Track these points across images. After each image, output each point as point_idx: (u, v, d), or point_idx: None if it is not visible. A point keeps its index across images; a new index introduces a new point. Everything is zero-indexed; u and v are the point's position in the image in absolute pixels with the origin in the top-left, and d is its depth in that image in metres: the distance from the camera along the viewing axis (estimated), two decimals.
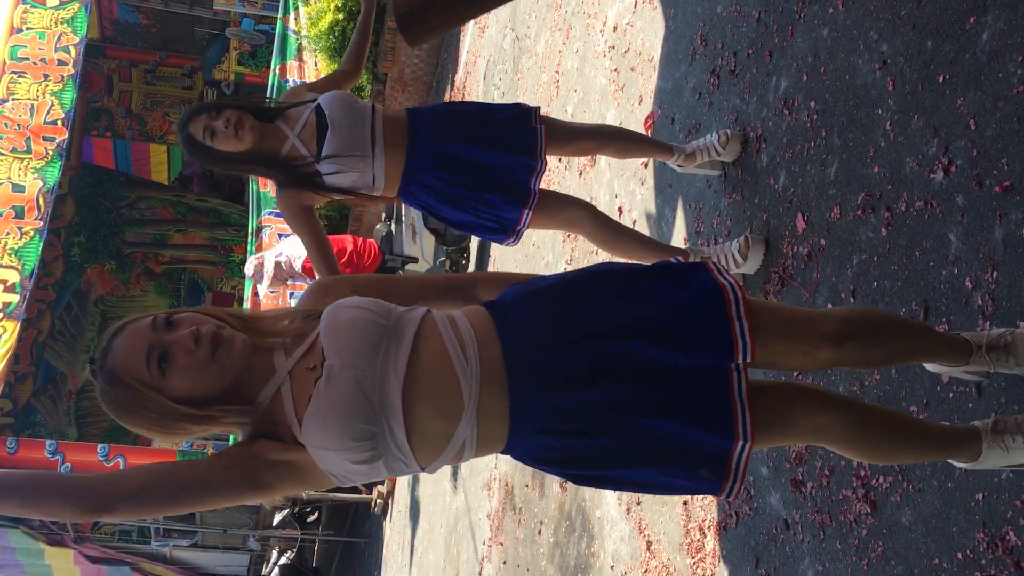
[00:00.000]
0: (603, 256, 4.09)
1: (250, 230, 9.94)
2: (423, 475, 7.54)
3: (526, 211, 2.96)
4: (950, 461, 1.95)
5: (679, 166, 3.26)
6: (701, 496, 3.03)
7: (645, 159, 3.49)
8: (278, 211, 9.89)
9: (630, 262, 1.88)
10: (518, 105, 3.09)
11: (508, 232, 3.03)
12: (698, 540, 3.00)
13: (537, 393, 1.56)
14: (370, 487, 9.29)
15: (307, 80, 9.86)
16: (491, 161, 2.93)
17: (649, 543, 3.30)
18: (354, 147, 2.83)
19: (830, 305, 2.51)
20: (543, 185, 3.04)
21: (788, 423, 1.69)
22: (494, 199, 2.96)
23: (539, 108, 3.06)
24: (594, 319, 1.60)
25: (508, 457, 4.62)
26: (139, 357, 1.48)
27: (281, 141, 2.85)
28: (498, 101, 6.70)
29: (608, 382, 1.56)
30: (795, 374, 2.44)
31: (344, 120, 2.85)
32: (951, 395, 2.08)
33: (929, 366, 2.05)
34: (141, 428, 1.53)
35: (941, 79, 2.20)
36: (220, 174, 13.71)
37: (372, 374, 1.51)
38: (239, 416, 1.54)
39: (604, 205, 4.09)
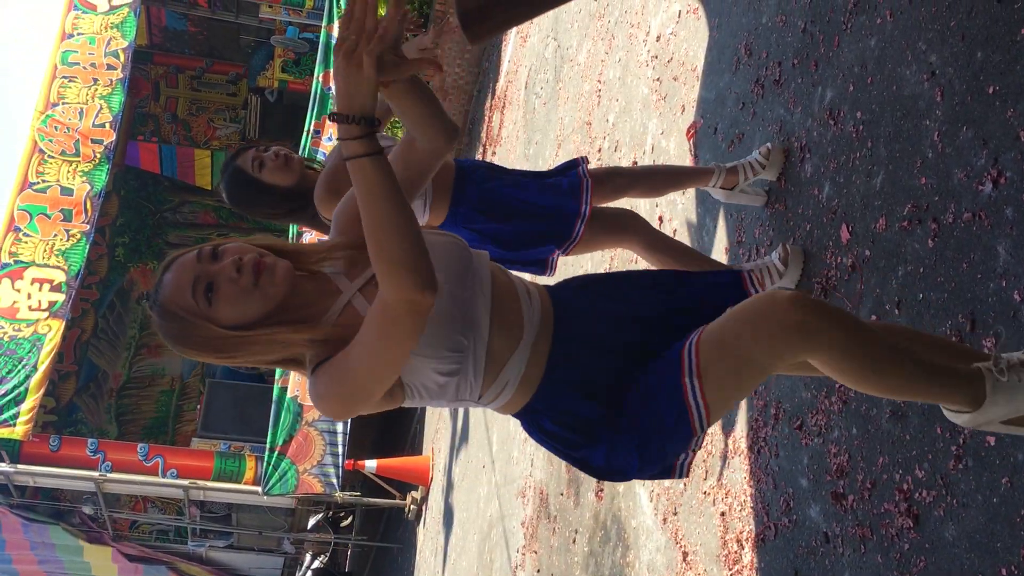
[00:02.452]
0: (643, 265, 4.09)
1: (290, 236, 10.05)
2: (456, 481, 7.56)
3: (561, 249, 3.00)
4: (948, 410, 1.81)
5: (721, 188, 3.21)
6: (740, 507, 3.02)
7: (683, 186, 3.43)
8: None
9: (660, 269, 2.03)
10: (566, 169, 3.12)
11: (545, 266, 3.06)
12: (735, 552, 2.98)
13: (577, 353, 1.71)
14: (404, 493, 9.33)
15: None
16: (537, 201, 2.97)
17: (685, 554, 3.29)
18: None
19: (874, 317, 2.49)
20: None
21: (747, 319, 1.58)
22: (537, 239, 2.99)
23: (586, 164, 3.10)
24: (637, 303, 1.82)
25: (543, 464, 4.63)
26: (185, 288, 1.56)
27: None
28: (539, 110, 6.72)
29: (636, 357, 1.73)
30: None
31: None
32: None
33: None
34: (198, 355, 1.61)
35: (991, 90, 2.18)
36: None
37: (464, 291, 1.62)
38: (295, 328, 1.57)
39: (644, 214, 4.09)
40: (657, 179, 3.23)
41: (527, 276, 2.31)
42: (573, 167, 3.07)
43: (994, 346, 2.06)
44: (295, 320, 1.60)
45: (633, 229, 3.07)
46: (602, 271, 4.68)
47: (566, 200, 2.99)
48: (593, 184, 3.04)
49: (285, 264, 1.60)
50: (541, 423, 1.73)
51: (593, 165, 4.97)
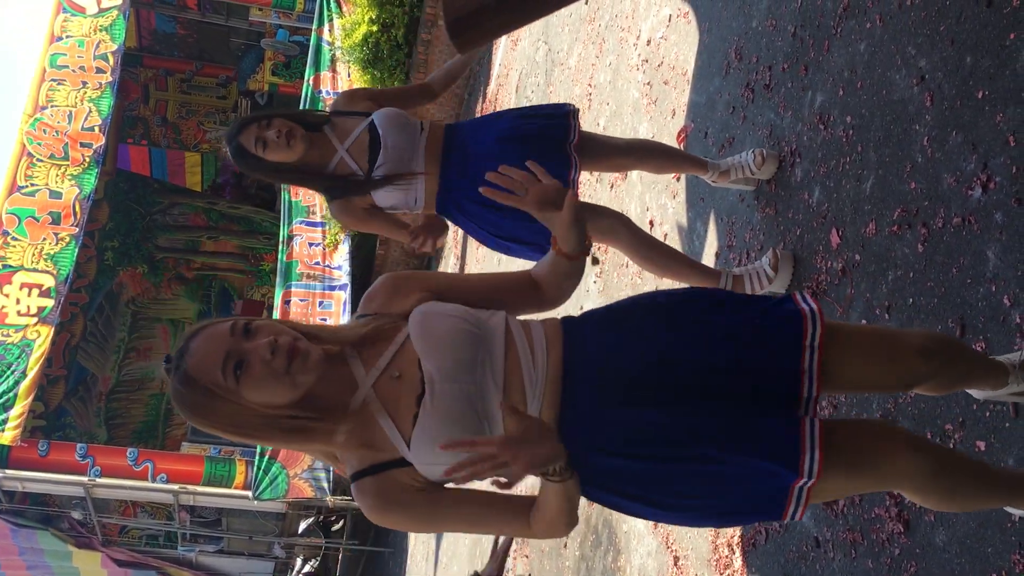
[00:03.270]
0: (634, 268, 4.08)
1: (281, 239, 10.02)
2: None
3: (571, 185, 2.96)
4: (1010, 509, 1.89)
5: (713, 181, 3.25)
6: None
7: (677, 173, 3.49)
8: (309, 220, 9.99)
9: (714, 289, 1.89)
10: (554, 107, 3.09)
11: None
12: (726, 556, 2.98)
13: (592, 407, 1.59)
14: None
15: (339, 90, 9.95)
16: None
17: (676, 558, 3.28)
18: (405, 168, 2.85)
19: (864, 321, 2.49)
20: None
21: (868, 462, 1.62)
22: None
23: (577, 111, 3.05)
24: (668, 344, 1.61)
25: None
26: (215, 362, 1.49)
27: (330, 153, 2.87)
28: None
29: (671, 405, 1.57)
30: (877, 413, 2.42)
31: (397, 141, 2.85)
32: (987, 414, 2.05)
33: (974, 393, 2.02)
34: (212, 428, 1.55)
35: (980, 95, 2.18)
36: (251, 183, 13.85)
37: (474, 386, 1.55)
38: (315, 422, 1.54)
39: (635, 218, 4.08)
40: (662, 158, 3.25)
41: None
42: (561, 118, 3.00)
43: (984, 352, 2.06)
44: (316, 408, 1.55)
45: (619, 234, 3.07)
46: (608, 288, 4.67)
47: (551, 156, 2.95)
48: (596, 153, 3.03)
49: (319, 351, 1.54)
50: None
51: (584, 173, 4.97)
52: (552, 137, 2.96)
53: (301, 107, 9.90)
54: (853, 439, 1.63)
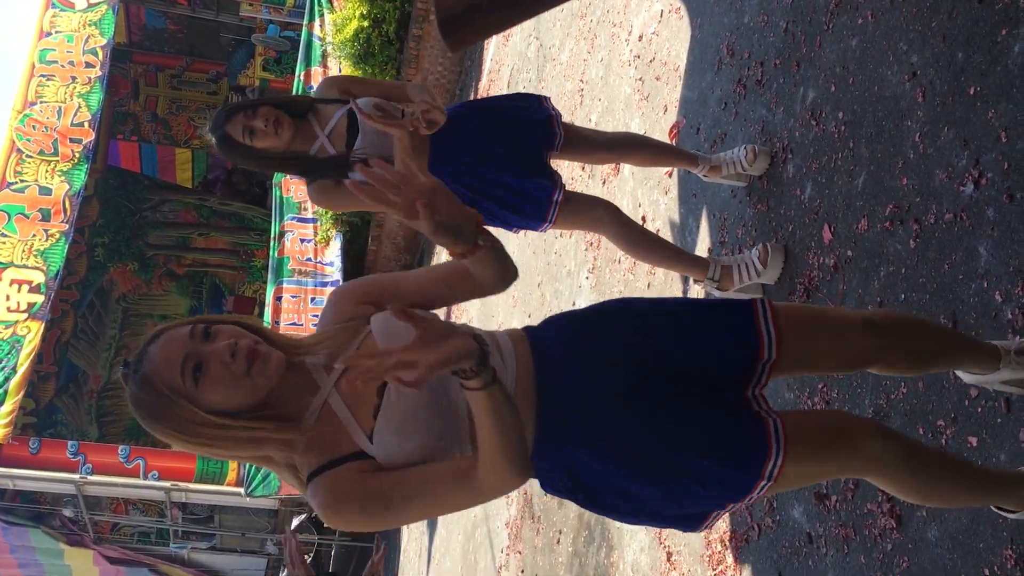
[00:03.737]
0: (626, 264, 4.08)
1: (272, 235, 10.00)
2: None
3: (557, 191, 2.95)
4: (997, 508, 1.89)
5: (704, 175, 3.26)
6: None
7: (669, 168, 3.49)
8: (301, 216, 9.96)
9: (676, 297, 1.90)
10: (533, 97, 3.09)
11: (543, 211, 2.98)
12: (719, 552, 2.98)
13: (564, 402, 1.60)
14: None
15: None
16: (512, 150, 2.94)
17: (669, 554, 3.28)
18: (383, 152, 2.84)
19: None
20: (569, 187, 3.05)
21: (840, 444, 1.65)
22: (520, 183, 2.94)
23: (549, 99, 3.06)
24: (629, 346, 1.66)
25: None
26: (174, 365, 1.47)
27: (311, 140, 2.86)
28: None
29: (640, 404, 1.60)
30: (869, 410, 2.43)
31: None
32: (979, 409, 2.06)
33: (963, 375, 2.03)
34: (166, 436, 1.52)
35: (972, 91, 2.18)
36: (241, 180, 13.81)
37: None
38: (277, 427, 1.53)
39: (627, 214, 4.08)
40: (653, 152, 3.24)
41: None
42: (540, 107, 3.02)
43: None
44: (275, 416, 1.53)
45: (609, 224, 3.06)
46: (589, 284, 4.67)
47: (536, 138, 2.96)
48: (586, 145, 3.04)
49: (279, 356, 1.53)
50: (551, 480, 1.68)
51: (576, 166, 4.95)
52: (534, 119, 2.98)
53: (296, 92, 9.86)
54: (826, 421, 1.68)
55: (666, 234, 3.80)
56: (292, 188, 9.86)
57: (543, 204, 2.95)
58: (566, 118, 5.28)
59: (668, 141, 3.86)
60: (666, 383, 1.63)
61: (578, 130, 3.14)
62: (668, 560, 3.28)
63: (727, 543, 2.95)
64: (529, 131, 2.98)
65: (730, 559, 2.91)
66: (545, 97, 3.09)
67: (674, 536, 3.27)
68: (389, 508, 1.47)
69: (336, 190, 2.86)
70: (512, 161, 2.94)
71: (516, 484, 1.46)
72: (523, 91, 3.19)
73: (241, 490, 8.96)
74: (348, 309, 1.66)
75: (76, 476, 9.01)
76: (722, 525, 3.00)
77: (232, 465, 9.38)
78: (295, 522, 10.95)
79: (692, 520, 1.68)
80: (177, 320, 1.58)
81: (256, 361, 1.49)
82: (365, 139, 2.83)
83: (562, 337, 1.69)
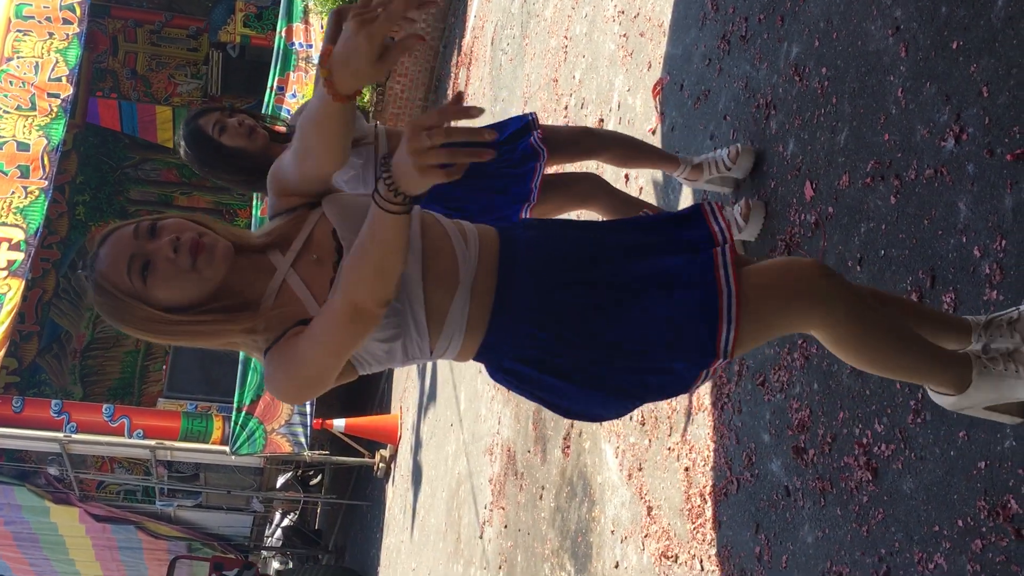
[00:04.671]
0: None
1: (255, 195, 9.92)
2: (425, 439, 7.59)
3: (526, 206, 2.94)
4: (933, 391, 1.88)
5: (685, 179, 3.18)
6: (703, 462, 3.05)
7: (650, 164, 3.40)
8: None
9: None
10: (518, 122, 3.05)
11: (525, 190, 2.96)
12: (698, 506, 3.02)
13: (525, 282, 1.64)
14: (373, 451, 9.36)
15: (313, 44, 9.80)
16: (488, 184, 2.91)
17: (650, 508, 3.32)
18: (365, 159, 2.79)
19: None
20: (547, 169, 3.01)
21: (793, 285, 1.66)
22: (495, 201, 2.92)
23: (537, 120, 3.03)
24: (592, 241, 1.73)
25: (510, 422, 4.60)
26: (120, 266, 1.50)
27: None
28: (505, 66, 6.65)
29: (594, 276, 1.66)
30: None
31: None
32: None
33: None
34: (134, 333, 1.56)
35: (955, 45, 2.17)
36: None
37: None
38: (231, 317, 1.54)
39: (609, 172, 4.07)
40: (628, 150, 3.19)
41: None
42: (526, 133, 2.98)
43: (954, 303, 2.08)
44: (233, 304, 1.55)
45: (596, 196, 3.05)
46: None
47: (515, 183, 2.93)
48: (557, 146, 2.99)
49: (225, 244, 1.54)
50: (500, 363, 1.69)
51: (560, 123, 4.92)
52: (518, 120, 2.95)
53: (273, 60, 9.75)
54: (779, 264, 1.71)
55: (649, 192, 3.79)
56: None
57: (516, 205, 2.93)
58: (550, 76, 5.25)
59: (652, 99, 3.84)
60: (623, 271, 1.67)
61: (557, 130, 3.09)
62: (648, 514, 3.32)
63: (706, 497, 2.99)
64: (504, 193, 2.94)
65: (709, 512, 2.95)
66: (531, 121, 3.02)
67: (654, 491, 3.31)
68: (296, 353, 1.49)
69: (288, 164, 2.81)
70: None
71: (380, 312, 1.44)
72: (509, 119, 3.12)
73: (226, 448, 8.99)
74: (280, 202, 1.68)
75: (60, 435, 9.00)
76: (701, 479, 3.03)
77: (217, 423, 9.40)
78: (281, 480, 11.01)
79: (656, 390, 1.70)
80: (123, 221, 1.59)
81: (201, 253, 1.50)
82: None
83: (529, 226, 1.76)
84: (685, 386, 1.68)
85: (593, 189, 3.04)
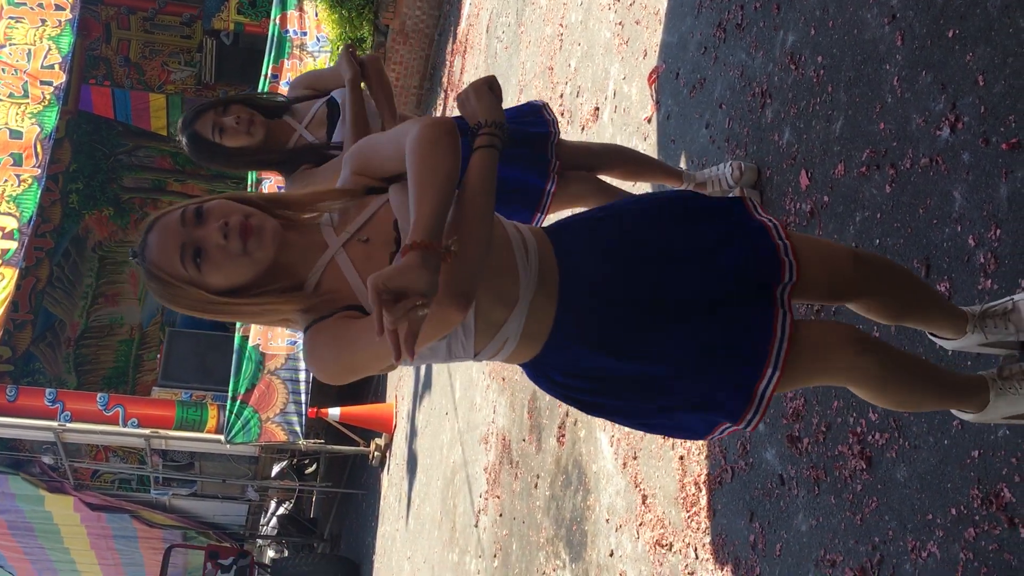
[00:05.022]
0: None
1: (250, 182, 9.89)
2: (420, 428, 7.59)
3: (538, 214, 2.95)
4: (957, 411, 1.93)
5: None
6: (698, 451, 3.05)
7: (655, 179, 3.39)
8: None
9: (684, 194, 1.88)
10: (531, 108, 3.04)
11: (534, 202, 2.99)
12: (693, 494, 3.02)
13: (584, 303, 1.63)
14: (368, 440, 9.36)
15: (308, 32, 9.75)
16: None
17: (644, 497, 3.33)
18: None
19: None
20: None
21: (825, 357, 1.70)
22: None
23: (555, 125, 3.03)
24: (646, 243, 1.70)
25: (505, 411, 4.60)
26: (173, 254, 1.52)
27: (288, 135, 2.81)
28: (500, 54, 6.62)
29: (653, 299, 1.64)
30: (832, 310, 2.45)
31: None
32: (950, 352, 2.08)
33: (938, 341, 2.03)
34: (189, 312, 1.58)
35: (951, 34, 2.17)
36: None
37: None
38: (284, 298, 1.55)
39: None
40: (633, 164, 3.19)
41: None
42: (542, 124, 3.00)
43: (949, 292, 2.08)
44: (284, 280, 1.56)
45: (594, 193, 3.05)
46: None
47: (529, 175, 2.95)
48: (564, 163, 3.00)
49: (273, 224, 1.55)
50: (549, 375, 1.70)
51: (555, 111, 4.91)
52: (534, 138, 2.95)
53: (268, 47, 9.70)
54: (813, 333, 1.72)
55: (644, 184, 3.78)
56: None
57: (535, 193, 2.94)
58: (545, 64, 5.23)
59: (648, 87, 3.83)
60: (684, 291, 1.66)
61: (564, 143, 3.10)
62: (643, 503, 3.33)
63: (701, 485, 2.99)
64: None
65: (704, 501, 2.96)
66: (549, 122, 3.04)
67: (649, 480, 3.32)
68: (350, 336, 1.48)
69: (315, 173, 2.80)
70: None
71: (463, 310, 1.43)
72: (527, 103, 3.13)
73: (221, 437, 8.98)
74: (352, 179, 1.67)
75: (55, 423, 8.98)
76: (696, 468, 3.04)
77: (212, 412, 9.39)
78: (276, 469, 11.02)
79: (694, 429, 1.71)
80: (168, 207, 1.59)
81: (251, 236, 1.52)
82: (345, 126, 2.77)
83: (580, 243, 1.72)
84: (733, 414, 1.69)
85: (592, 190, 3.05)
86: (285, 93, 3.08)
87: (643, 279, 1.65)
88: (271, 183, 9.71)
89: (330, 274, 1.57)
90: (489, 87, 1.63)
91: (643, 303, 1.64)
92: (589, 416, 3.93)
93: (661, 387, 1.65)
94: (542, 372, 1.70)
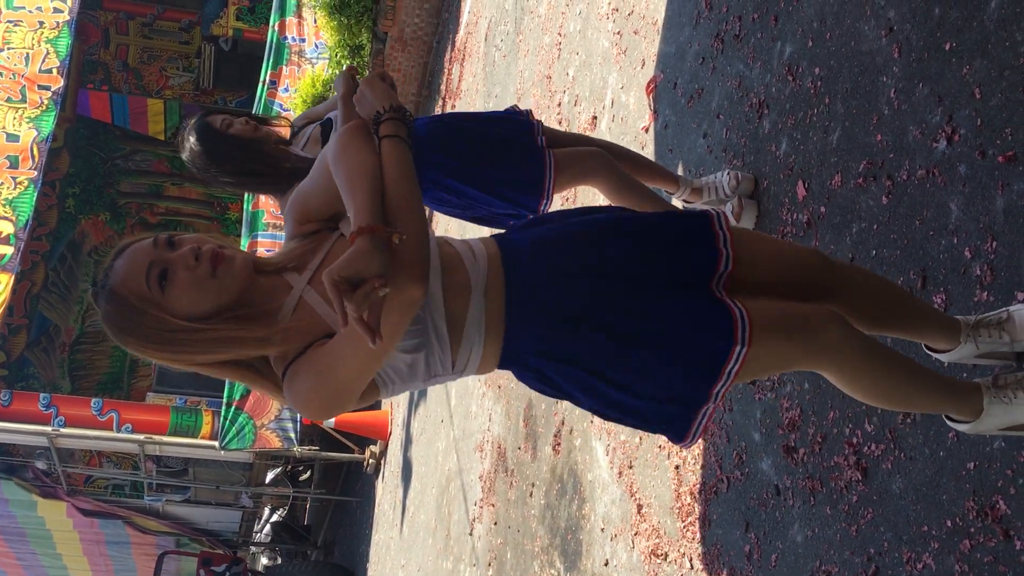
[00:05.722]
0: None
1: (245, 205, 9.88)
2: (415, 435, 7.58)
3: (544, 201, 2.95)
4: (949, 417, 1.91)
5: (684, 201, 3.17)
6: (694, 461, 3.05)
7: (651, 182, 3.39)
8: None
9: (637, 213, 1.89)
10: (516, 114, 3.06)
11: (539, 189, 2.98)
12: (689, 504, 3.02)
13: (533, 285, 1.66)
14: (363, 447, 9.35)
15: (306, 38, 9.77)
16: (494, 174, 2.94)
17: (640, 506, 3.33)
18: None
19: None
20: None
21: (803, 329, 1.66)
22: (507, 195, 2.94)
23: (540, 124, 3.03)
24: (592, 223, 1.76)
25: (501, 419, 4.59)
26: (139, 273, 1.50)
27: (287, 157, 2.88)
28: (499, 62, 6.64)
29: (603, 282, 1.66)
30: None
31: None
32: (946, 364, 2.08)
33: (934, 354, 2.01)
34: (140, 347, 1.54)
35: (947, 47, 2.18)
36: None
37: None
38: (247, 327, 1.53)
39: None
40: (630, 166, 3.20)
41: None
42: (515, 114, 3.02)
43: (945, 303, 2.09)
44: (249, 313, 1.55)
45: (601, 174, 3.04)
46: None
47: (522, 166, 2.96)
48: (560, 166, 3.00)
49: (244, 256, 1.55)
50: (526, 362, 1.69)
51: (553, 119, 4.92)
52: (519, 138, 2.96)
53: (266, 54, 9.72)
54: (793, 306, 1.70)
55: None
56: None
57: (537, 180, 2.94)
58: (543, 72, 5.24)
59: (646, 96, 3.84)
60: (632, 279, 1.68)
61: (558, 137, 3.11)
62: (639, 512, 3.32)
63: (696, 495, 2.99)
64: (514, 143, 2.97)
65: (699, 511, 2.95)
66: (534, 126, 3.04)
67: (644, 489, 3.31)
68: (322, 360, 1.48)
69: (307, 188, 2.83)
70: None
71: (419, 293, 1.45)
72: (508, 110, 3.15)
73: (215, 443, 8.96)
74: (297, 228, 1.70)
75: (48, 428, 8.96)
76: (692, 477, 3.04)
77: (206, 418, 9.38)
78: (270, 475, 10.99)
79: (674, 422, 1.67)
80: (139, 235, 1.60)
81: (221, 263, 1.51)
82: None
83: (524, 230, 1.77)
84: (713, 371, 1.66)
85: (597, 171, 3.03)
86: (284, 104, 3.17)
87: (588, 249, 1.69)
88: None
89: (301, 311, 1.57)
90: (381, 78, 1.70)
91: (592, 270, 1.67)
92: (584, 426, 3.94)
93: (624, 355, 1.64)
94: (520, 361, 1.69)
